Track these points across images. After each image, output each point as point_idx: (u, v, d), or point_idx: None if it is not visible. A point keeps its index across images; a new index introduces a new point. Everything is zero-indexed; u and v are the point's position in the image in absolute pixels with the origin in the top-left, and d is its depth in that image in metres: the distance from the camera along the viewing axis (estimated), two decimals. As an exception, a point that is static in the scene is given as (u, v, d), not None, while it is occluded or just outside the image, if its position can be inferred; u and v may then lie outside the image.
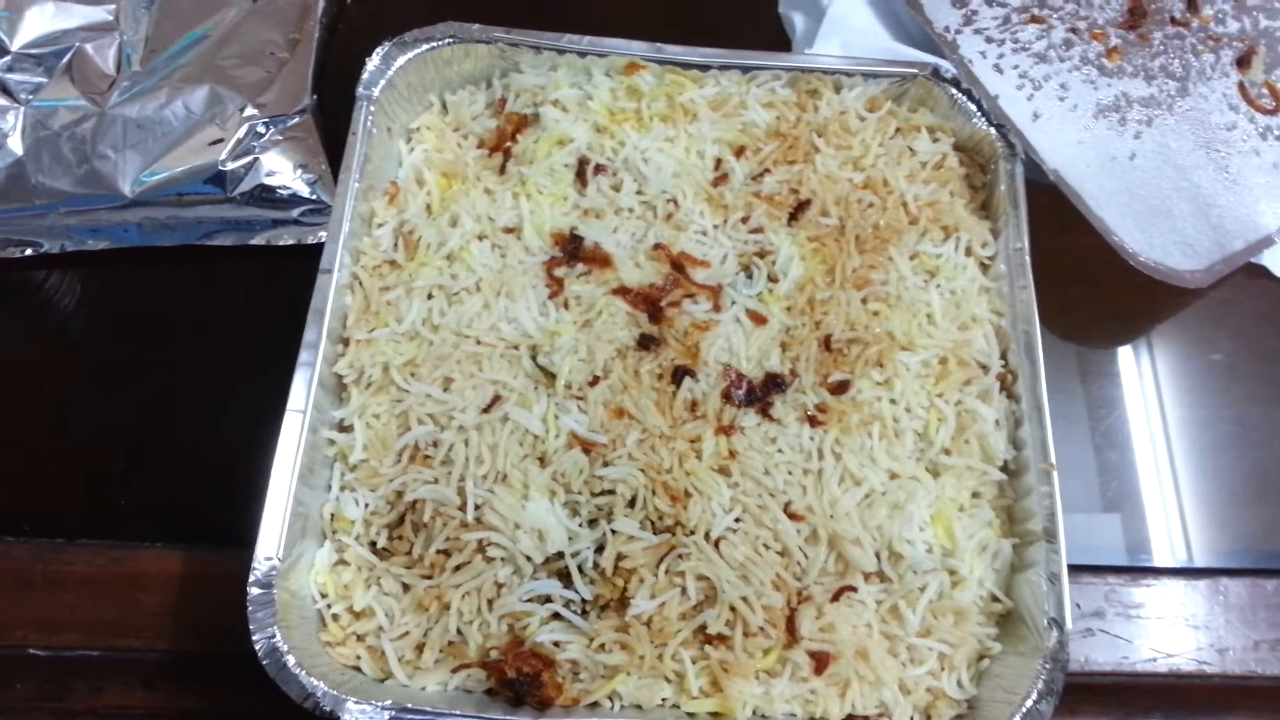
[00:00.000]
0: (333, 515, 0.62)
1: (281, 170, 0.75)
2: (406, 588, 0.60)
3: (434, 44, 0.73)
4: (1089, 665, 0.65)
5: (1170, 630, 0.66)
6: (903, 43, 0.81)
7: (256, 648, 0.56)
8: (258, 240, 0.75)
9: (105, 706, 0.65)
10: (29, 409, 0.72)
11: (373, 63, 0.72)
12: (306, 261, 0.73)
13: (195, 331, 0.74)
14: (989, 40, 0.79)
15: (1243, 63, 0.81)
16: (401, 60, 0.72)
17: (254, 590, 0.57)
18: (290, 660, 0.56)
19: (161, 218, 0.75)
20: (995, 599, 0.61)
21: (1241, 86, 0.80)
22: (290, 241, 0.75)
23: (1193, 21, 0.83)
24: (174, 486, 0.69)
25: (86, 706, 0.65)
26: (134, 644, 0.65)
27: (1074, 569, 0.61)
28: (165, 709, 0.65)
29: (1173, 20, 0.83)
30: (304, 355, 0.63)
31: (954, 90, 0.74)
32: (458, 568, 0.60)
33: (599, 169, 0.71)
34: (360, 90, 0.71)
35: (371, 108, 0.70)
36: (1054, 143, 0.74)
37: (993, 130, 0.73)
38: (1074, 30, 0.80)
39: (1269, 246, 0.75)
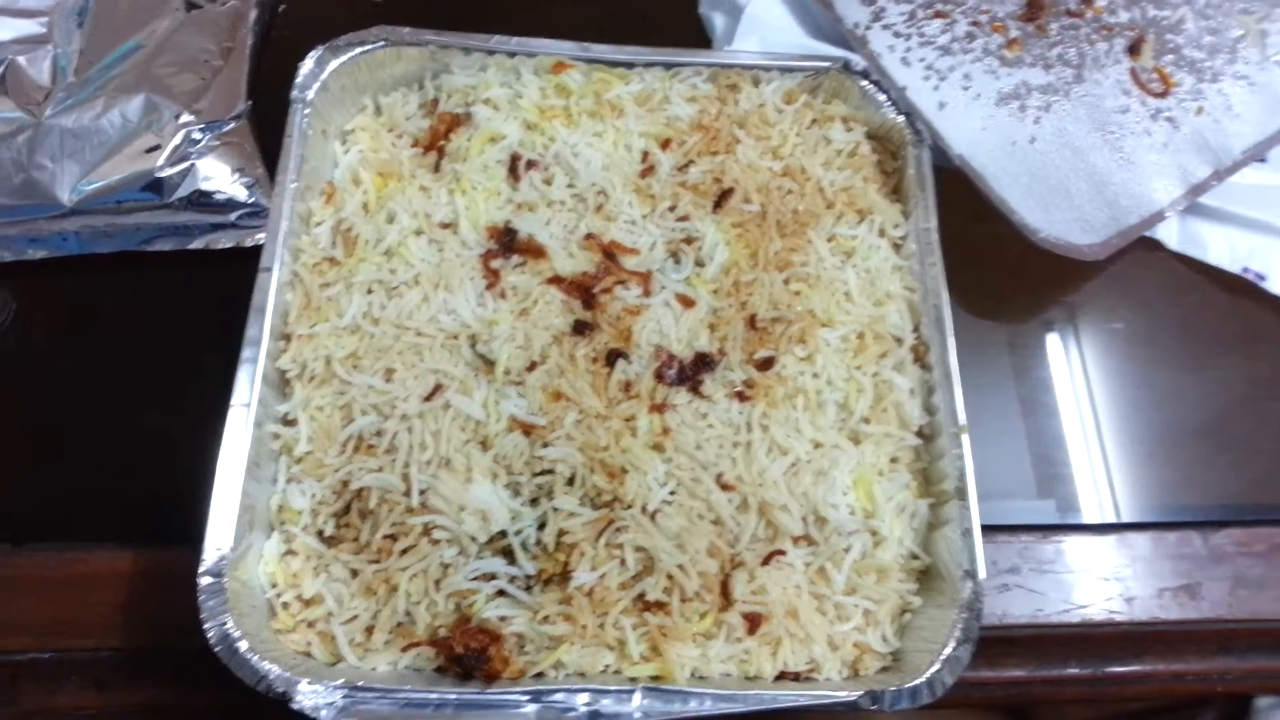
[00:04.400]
0: (280, 507, 0.64)
1: (218, 175, 0.76)
2: (355, 573, 0.62)
3: (366, 47, 0.75)
4: (1006, 619, 0.69)
5: (1081, 583, 0.70)
6: (816, 39, 0.85)
7: (208, 635, 0.57)
8: (196, 244, 0.77)
9: (59, 707, 0.66)
10: (-29, 417, 0.73)
11: (306, 66, 0.74)
12: (245, 263, 0.75)
13: (136, 335, 0.76)
14: (896, 35, 0.83)
15: (1134, 50, 0.86)
16: (334, 64, 0.74)
17: (205, 580, 0.58)
18: (242, 646, 0.57)
19: (100, 225, 0.76)
20: (914, 556, 0.65)
21: (1133, 72, 0.85)
22: (229, 244, 0.77)
23: (1087, 13, 0.88)
24: (120, 487, 0.70)
25: (41, 708, 0.66)
26: (85, 644, 0.67)
27: (990, 529, 0.65)
28: (119, 707, 0.66)
29: (1068, 12, 0.87)
30: (246, 352, 0.65)
31: (864, 82, 0.78)
32: (404, 551, 0.62)
33: (530, 164, 0.74)
34: (294, 94, 0.73)
35: (306, 110, 0.72)
36: (959, 130, 0.78)
37: (901, 119, 0.77)
38: (976, 24, 0.85)
39: (1161, 221, 0.79)
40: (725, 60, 0.79)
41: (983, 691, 0.68)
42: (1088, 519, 0.73)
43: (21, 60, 0.80)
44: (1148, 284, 0.82)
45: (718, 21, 0.88)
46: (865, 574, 0.63)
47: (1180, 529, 0.72)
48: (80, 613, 0.67)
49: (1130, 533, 0.72)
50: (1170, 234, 0.82)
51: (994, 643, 0.67)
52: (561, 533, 0.62)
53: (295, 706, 0.56)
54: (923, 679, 0.58)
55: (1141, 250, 0.81)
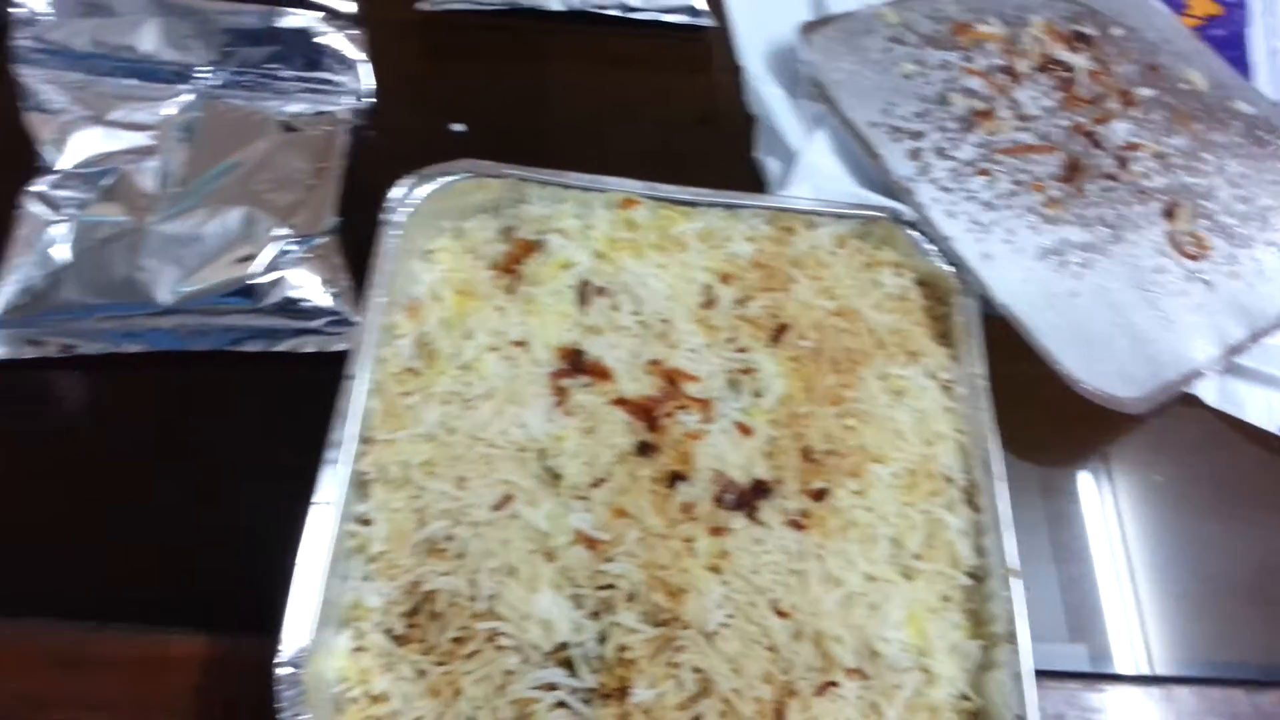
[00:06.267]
0: (354, 604, 0.67)
1: (307, 285, 0.81)
2: (421, 673, 0.65)
3: (452, 178, 0.81)
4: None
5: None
6: (866, 188, 0.90)
7: (284, 728, 0.60)
8: (282, 347, 0.81)
9: (128, 785, 0.68)
10: (68, 499, 0.76)
11: (396, 192, 0.79)
12: (327, 367, 0.79)
13: (220, 430, 0.79)
14: (942, 189, 0.88)
15: (1169, 214, 0.92)
16: (423, 190, 0.80)
17: (283, 670, 0.61)
18: (314, 740, 0.59)
19: (193, 324, 0.81)
20: (965, 697, 0.67)
21: (1170, 235, 0.90)
22: (313, 349, 0.81)
23: (1123, 176, 0.94)
24: (198, 573, 0.73)
25: (109, 785, 0.68)
26: (163, 721, 0.69)
27: (1038, 674, 0.66)
28: (181, 792, 0.68)
29: (1105, 175, 0.94)
30: (329, 453, 0.68)
31: (913, 231, 0.83)
32: (470, 655, 0.64)
33: (599, 291, 0.79)
34: (384, 215, 0.78)
35: (395, 232, 0.78)
36: (1003, 280, 0.83)
37: (949, 268, 0.82)
38: (1017, 182, 0.91)
39: (1200, 378, 0.83)
40: (782, 204, 0.84)
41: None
42: (1123, 669, 0.75)
43: (130, 169, 0.86)
44: (1188, 438, 0.85)
45: (772, 166, 0.94)
46: (917, 712, 0.65)
47: (1225, 686, 0.74)
48: (156, 693, 0.69)
49: (1175, 686, 0.73)
50: (1209, 391, 0.85)
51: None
52: (622, 648, 0.64)
53: (362, 805, 0.58)
54: (971, 817, 0.60)
55: (1181, 404, 0.84)
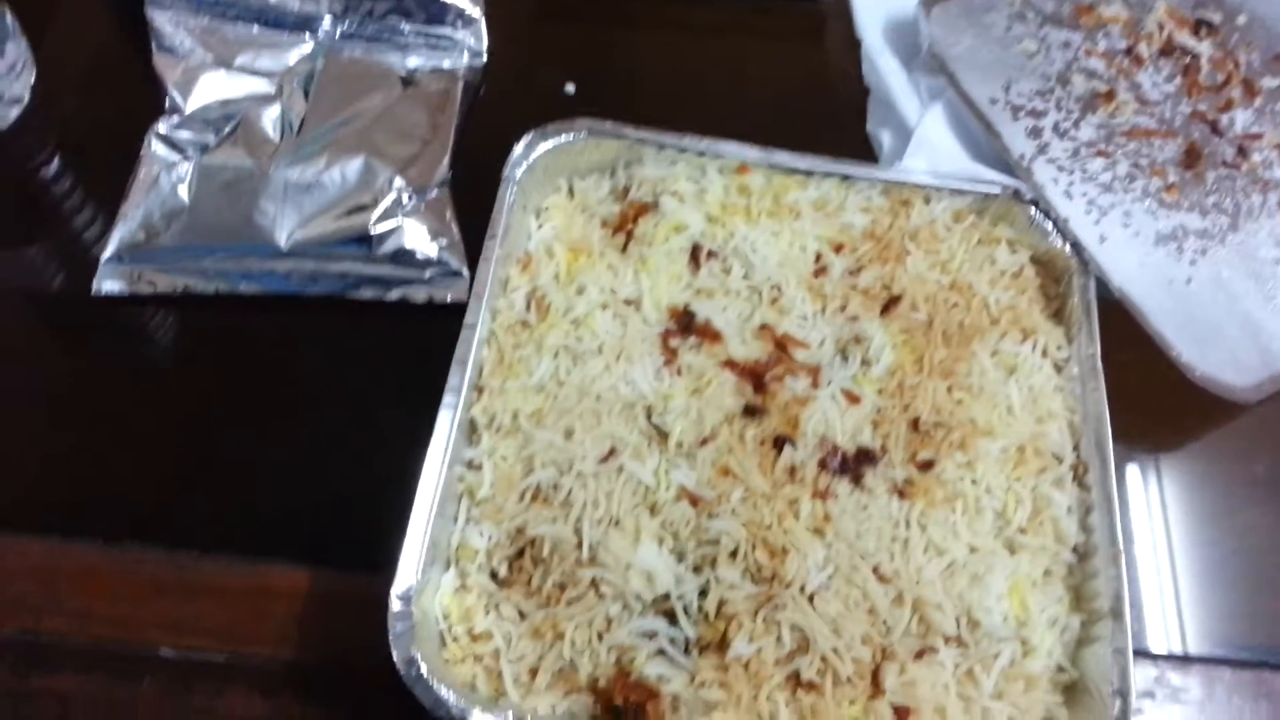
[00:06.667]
0: (459, 545, 0.68)
1: (419, 236, 0.83)
2: (523, 615, 0.66)
3: (571, 136, 0.82)
4: (1141, 743, 0.70)
5: (1215, 716, 0.71)
6: (981, 164, 0.89)
7: (395, 657, 0.61)
8: (393, 296, 0.83)
9: (225, 709, 0.70)
10: (179, 432, 0.79)
11: (518, 149, 0.80)
12: (435, 316, 0.82)
13: (330, 373, 0.81)
14: (1060, 169, 0.87)
15: (1289, 205, 0.89)
16: (541, 148, 0.81)
17: (396, 604, 0.62)
18: (424, 670, 0.61)
19: (308, 270, 0.83)
20: (1062, 669, 0.66)
21: (1287, 226, 0.88)
22: (422, 299, 0.83)
23: (1242, 165, 0.91)
24: (306, 511, 0.75)
25: (207, 707, 0.70)
26: (259, 651, 0.70)
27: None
28: (281, 717, 0.70)
29: (1224, 163, 0.91)
30: (447, 398, 0.70)
31: (1032, 209, 0.82)
32: (572, 601, 0.65)
33: (711, 254, 0.79)
34: (506, 172, 0.79)
35: (514, 187, 0.79)
36: (1118, 264, 0.82)
37: (1067, 247, 0.81)
38: (1136, 166, 0.89)
39: (1312, 370, 0.81)
40: (899, 177, 0.84)
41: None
42: (1221, 653, 0.74)
43: (253, 115, 0.88)
44: (1293, 430, 0.83)
45: (885, 139, 0.93)
46: (1013, 681, 0.65)
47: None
48: (256, 622, 0.71)
49: (1267, 671, 0.72)
50: (1320, 383, 0.83)
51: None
52: (722, 602, 0.65)
53: (470, 734, 0.59)
54: (1072, 789, 0.60)
55: (1287, 396, 0.83)
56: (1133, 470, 0.80)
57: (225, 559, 0.73)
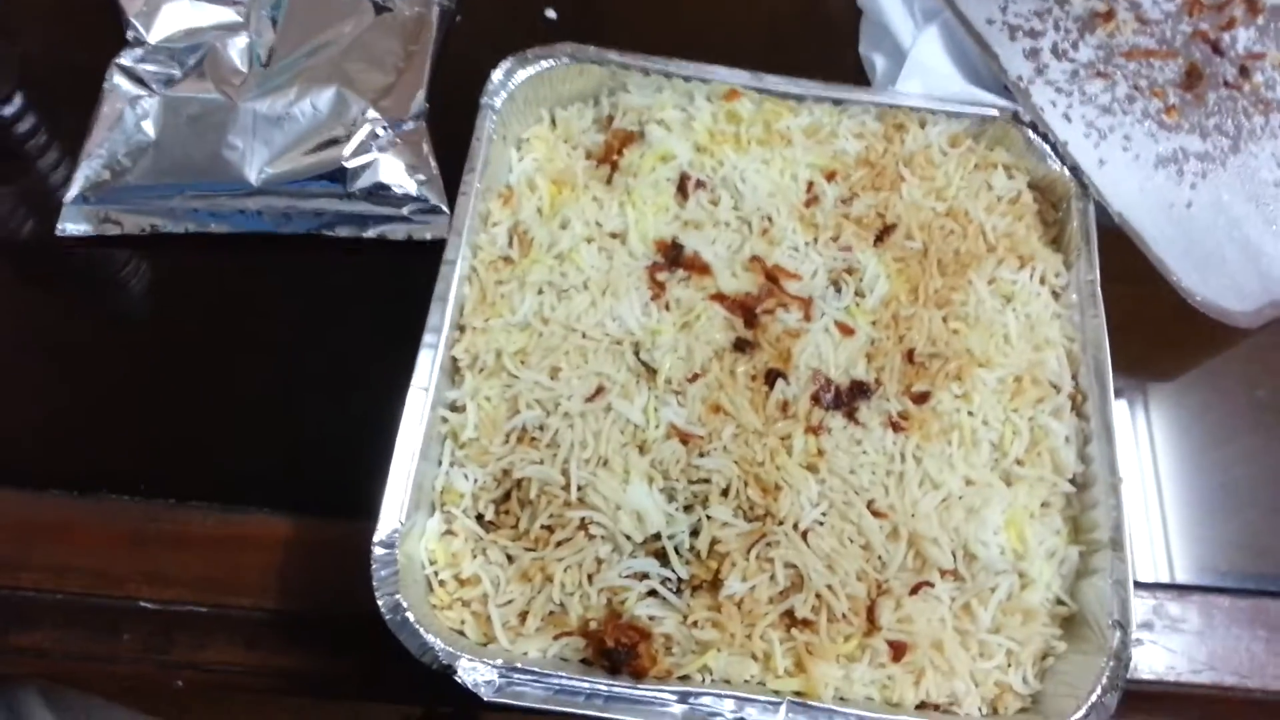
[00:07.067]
0: (444, 488, 0.66)
1: (396, 171, 0.80)
2: (511, 559, 0.64)
3: (552, 62, 0.78)
4: (1137, 673, 0.69)
5: (1214, 644, 0.70)
6: (978, 87, 0.86)
7: (380, 604, 0.60)
8: (370, 233, 0.80)
9: (207, 661, 0.69)
10: (150, 378, 0.76)
11: (496, 75, 0.77)
12: (414, 255, 0.79)
13: (307, 313, 0.79)
14: (1058, 91, 0.84)
15: (1291, 126, 0.87)
16: (522, 75, 0.78)
17: (379, 550, 0.61)
18: (410, 616, 0.59)
19: (281, 207, 0.80)
20: (1060, 602, 0.65)
21: (1290, 148, 0.86)
22: (401, 237, 0.80)
23: (1244, 86, 0.89)
24: (282, 457, 0.73)
25: (189, 660, 0.69)
26: (240, 602, 0.69)
27: (1126, 583, 0.65)
28: (264, 666, 0.69)
29: (1226, 84, 0.88)
30: (428, 338, 0.67)
31: (1030, 132, 0.80)
32: (560, 543, 0.64)
33: (699, 184, 0.76)
34: (484, 100, 0.76)
35: (493, 116, 0.76)
36: (1118, 188, 0.79)
37: (1066, 171, 0.78)
38: (1136, 87, 0.86)
39: (1313, 295, 0.80)
40: (893, 101, 0.81)
41: (1114, 744, 0.68)
42: (1219, 582, 0.73)
43: (219, 45, 0.84)
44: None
45: (878, 62, 0.90)
46: (1011, 614, 0.64)
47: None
48: (236, 572, 0.69)
49: (1268, 599, 0.72)
50: (1322, 308, 0.82)
51: (1126, 696, 0.67)
52: (714, 541, 0.64)
53: (458, 680, 0.58)
54: (1070, 722, 0.59)
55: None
56: (1133, 399, 0.79)
57: (204, 508, 0.71)
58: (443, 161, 0.81)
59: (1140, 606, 0.71)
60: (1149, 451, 0.77)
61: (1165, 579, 0.72)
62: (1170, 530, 0.75)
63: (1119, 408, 0.71)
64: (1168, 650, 0.70)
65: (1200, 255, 0.79)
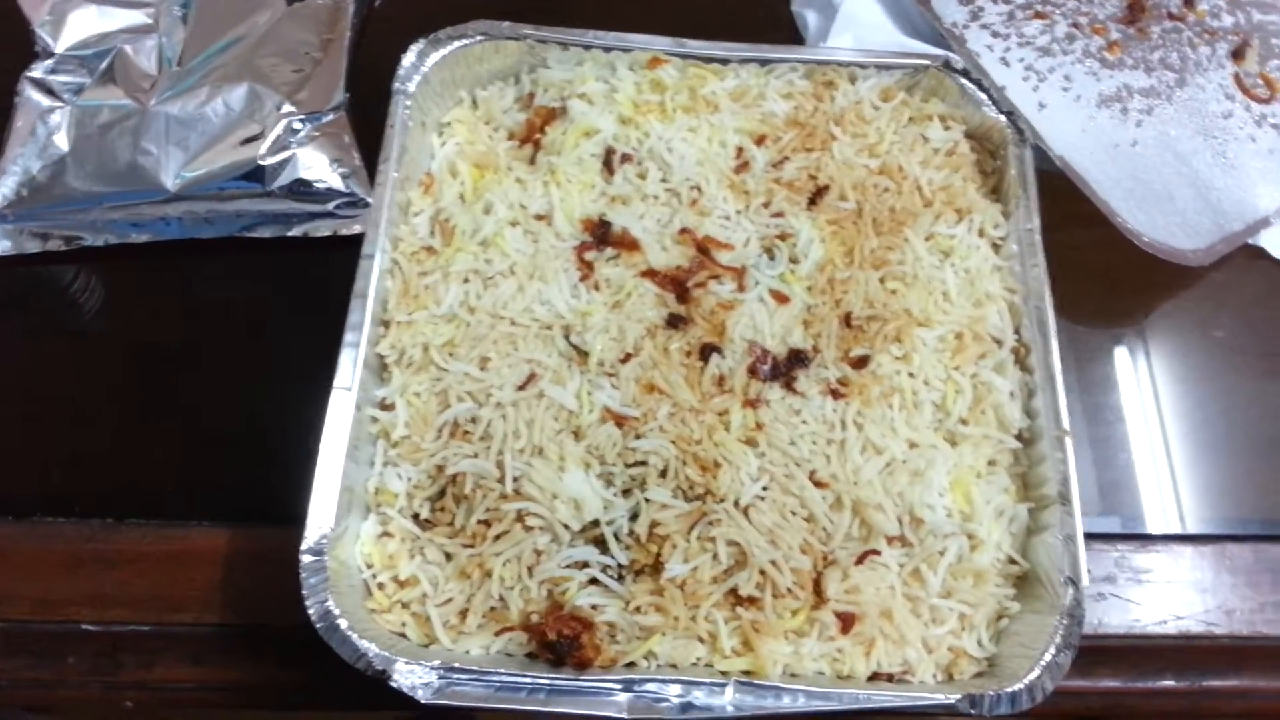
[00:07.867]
0: (377, 489, 0.65)
1: (317, 165, 0.78)
2: (449, 557, 0.63)
3: (466, 41, 0.76)
4: (1102, 628, 0.68)
5: (1179, 594, 0.69)
6: (911, 37, 0.84)
7: (310, 612, 0.58)
8: (294, 232, 0.78)
9: (155, 680, 0.67)
10: (76, 397, 0.74)
11: (408, 59, 0.75)
12: (342, 251, 0.76)
13: (234, 318, 0.77)
14: (995, 35, 0.82)
15: (1237, 55, 0.84)
16: (435, 57, 0.75)
17: (306, 558, 0.59)
18: (342, 624, 0.58)
19: (201, 212, 0.78)
20: (1012, 561, 0.64)
21: (1237, 77, 0.83)
22: (326, 233, 0.78)
23: (1189, 16, 0.86)
24: (217, 468, 0.71)
25: (137, 680, 0.67)
26: (183, 619, 0.68)
27: (1085, 537, 0.63)
28: (213, 681, 0.67)
29: (1170, 15, 0.86)
30: (348, 336, 0.66)
31: (964, 80, 0.77)
32: (498, 536, 0.62)
33: (625, 158, 0.74)
34: (396, 85, 0.74)
35: (407, 102, 0.74)
36: (1060, 131, 0.77)
37: (1002, 118, 0.76)
38: (1076, 25, 0.84)
39: (1266, 228, 0.78)
40: (822, 57, 0.79)
41: (1077, 701, 0.66)
42: (1181, 529, 0.72)
43: (129, 49, 0.82)
44: (1250, 291, 0.80)
45: (810, 19, 0.88)
46: (961, 577, 0.62)
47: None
48: (178, 588, 0.68)
49: (1230, 544, 0.70)
50: (1275, 241, 0.80)
51: (1089, 652, 0.65)
52: (654, 524, 0.62)
53: (393, 685, 0.57)
54: (1022, 684, 0.57)
55: (1243, 258, 0.79)
56: (1082, 350, 0.77)
57: (141, 525, 0.70)
58: (370, 152, 0.79)
59: (1102, 560, 0.69)
60: (1106, 402, 0.75)
61: (1129, 529, 0.71)
62: (1136, 481, 0.73)
63: (1067, 358, 0.69)
64: (1131, 602, 0.68)
65: (1147, 194, 0.77)
